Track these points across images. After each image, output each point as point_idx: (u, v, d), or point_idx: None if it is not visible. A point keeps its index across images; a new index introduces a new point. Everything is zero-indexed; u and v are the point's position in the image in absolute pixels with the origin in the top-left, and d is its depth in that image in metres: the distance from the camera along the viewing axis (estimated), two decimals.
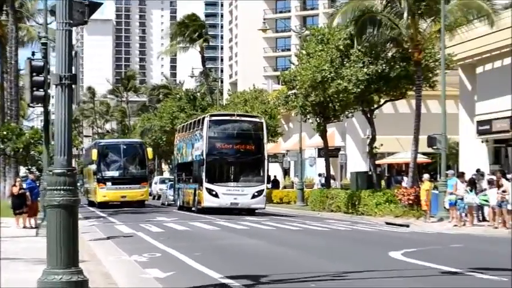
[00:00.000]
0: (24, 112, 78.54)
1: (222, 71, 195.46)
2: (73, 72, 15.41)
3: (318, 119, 64.87)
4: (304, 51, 63.63)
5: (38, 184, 42.49)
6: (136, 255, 25.11)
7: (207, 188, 50.76)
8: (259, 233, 36.63)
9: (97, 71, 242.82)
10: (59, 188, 14.96)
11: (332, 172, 73.57)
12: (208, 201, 50.68)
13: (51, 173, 15.89)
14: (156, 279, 19.16)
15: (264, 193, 53.11)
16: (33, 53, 37.54)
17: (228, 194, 50.78)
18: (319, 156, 78.16)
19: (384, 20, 48.55)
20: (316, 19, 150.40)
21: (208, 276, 19.52)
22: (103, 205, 61.58)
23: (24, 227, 36.38)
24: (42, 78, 29.92)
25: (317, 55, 57.13)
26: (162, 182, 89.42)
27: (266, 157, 54.24)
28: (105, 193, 62.13)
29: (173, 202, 69.35)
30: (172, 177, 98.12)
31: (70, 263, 14.89)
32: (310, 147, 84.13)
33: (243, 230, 37.99)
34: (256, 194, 51.18)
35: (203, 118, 54.56)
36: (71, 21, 15.39)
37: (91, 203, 69.22)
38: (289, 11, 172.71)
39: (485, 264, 21.82)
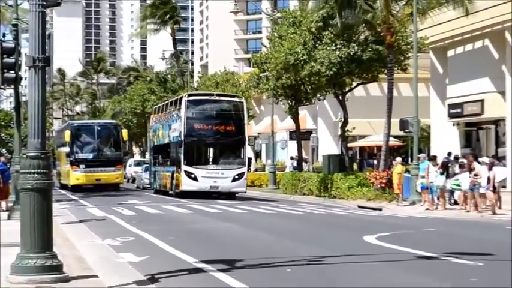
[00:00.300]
0: None
1: (192, 53, 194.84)
2: (47, 54, 15.26)
3: (289, 101, 64.88)
4: (276, 34, 63.71)
5: (8, 167, 42.26)
6: (110, 239, 24.89)
7: (185, 171, 47.77)
8: (233, 216, 36.42)
9: (67, 53, 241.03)
10: (32, 171, 14.80)
11: (304, 155, 73.51)
12: (186, 184, 47.82)
13: (24, 156, 15.76)
14: (130, 263, 18.90)
15: (245, 176, 50.63)
16: (3, 35, 37.37)
17: (208, 177, 47.78)
18: (291, 139, 78.30)
19: (359, 1, 48.56)
20: (287, 1, 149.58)
21: (183, 260, 19.34)
22: (76, 188, 58.87)
23: None
24: (13, 60, 30.17)
25: (289, 38, 57.13)
26: (137, 164, 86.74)
27: (247, 138, 51.90)
28: (78, 176, 59.27)
29: (149, 186, 67.10)
30: (147, 159, 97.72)
31: (44, 247, 14.76)
32: (282, 130, 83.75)
33: (216, 213, 37.80)
34: (236, 177, 48.31)
35: (181, 98, 51.51)
36: (44, 2, 15.23)
37: (63, 186, 67.03)
38: None
39: (460, 249, 21.80)
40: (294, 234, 27.39)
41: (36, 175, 14.78)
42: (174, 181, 50.01)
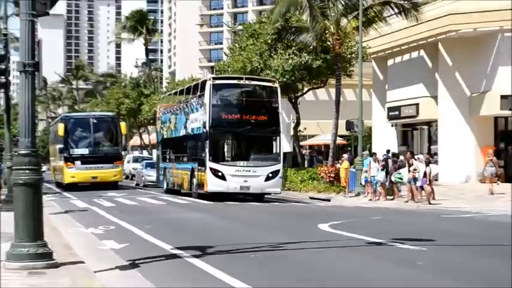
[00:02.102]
0: None
1: (161, 61, 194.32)
2: (36, 59, 15.10)
3: None
4: (237, 45, 63.52)
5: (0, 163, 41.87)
6: (93, 227, 24.65)
7: (211, 169, 35.79)
8: (201, 207, 36.15)
9: (50, 61, 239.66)
10: (24, 167, 14.56)
11: None
12: (213, 184, 35.72)
13: (16, 153, 15.74)
14: (112, 250, 18.72)
15: (280, 174, 38.21)
16: None
17: (237, 175, 35.85)
18: None
19: (314, 9, 48.84)
20: (246, 16, 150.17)
21: (160, 247, 19.13)
22: (71, 187, 49.23)
23: None
24: (4, 67, 30.71)
25: (248, 48, 56.91)
26: (136, 160, 73.57)
27: (281, 130, 38.88)
28: (73, 173, 49.18)
29: (150, 183, 56.98)
30: (145, 155, 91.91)
31: (36, 236, 14.52)
32: None
33: (185, 204, 37.52)
34: (270, 175, 36.29)
35: (203, 82, 39.24)
36: (34, 12, 14.95)
37: (58, 184, 56.69)
38: (222, 8, 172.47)
39: (404, 235, 21.82)
40: (257, 223, 27.51)
41: (27, 171, 14.54)
42: (194, 180, 38.16)
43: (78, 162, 49.44)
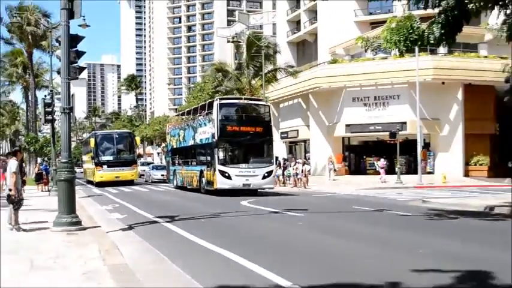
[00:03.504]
0: (39, 128, 75.38)
1: (145, 105, 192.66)
2: (71, 105, 15.25)
3: None
4: (191, 96, 63.50)
5: (48, 167, 41.45)
6: (105, 206, 24.46)
7: (219, 170, 30.96)
8: (171, 192, 35.70)
9: (78, 105, 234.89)
10: (63, 170, 14.63)
11: None
12: (221, 183, 30.96)
13: (59, 161, 16.02)
14: (117, 219, 18.63)
15: (273, 174, 33.22)
16: (45, 96, 36.66)
17: (240, 175, 31.38)
18: None
19: (233, 76, 49.08)
20: (195, 78, 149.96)
21: (146, 216, 18.97)
22: (100, 184, 44.36)
23: (42, 191, 35.18)
24: (51, 109, 30.94)
25: (198, 97, 56.92)
26: (142, 164, 66.75)
27: (273, 139, 33.74)
28: (102, 174, 44.82)
29: (156, 180, 51.75)
30: (149, 161, 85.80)
31: (71, 211, 14.57)
32: None
33: (161, 191, 36.73)
34: (266, 174, 31.73)
35: (210, 103, 33.82)
36: (69, 77, 15.01)
37: (89, 182, 51.09)
38: (181, 74, 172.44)
39: (290, 206, 21.76)
40: (201, 201, 26.85)
41: (66, 172, 14.60)
42: (203, 179, 32.86)
43: (105, 166, 44.91)
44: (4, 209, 15.86)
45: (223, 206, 22.73)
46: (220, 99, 32.56)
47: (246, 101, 33.98)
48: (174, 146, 40.80)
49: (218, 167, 30.16)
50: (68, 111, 14.90)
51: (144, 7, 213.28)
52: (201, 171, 32.93)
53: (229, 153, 31.46)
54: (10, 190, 14.51)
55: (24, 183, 16.61)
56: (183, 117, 42.36)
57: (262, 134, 31.60)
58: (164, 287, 8.32)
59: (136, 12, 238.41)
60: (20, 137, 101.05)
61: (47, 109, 30.69)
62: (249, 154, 31.79)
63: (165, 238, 13.67)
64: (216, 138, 30.35)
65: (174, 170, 39.98)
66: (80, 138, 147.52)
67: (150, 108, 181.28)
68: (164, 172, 49.93)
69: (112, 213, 21.02)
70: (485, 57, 49.02)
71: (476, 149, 47.37)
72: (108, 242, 12.28)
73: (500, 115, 45.72)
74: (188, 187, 35.74)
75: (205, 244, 12.25)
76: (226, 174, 30.17)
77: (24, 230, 14.38)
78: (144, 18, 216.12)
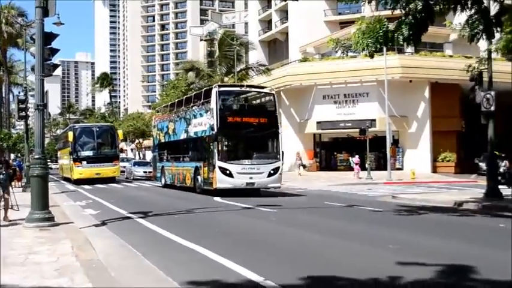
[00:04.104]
0: (13, 125, 74.16)
1: (119, 102, 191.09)
2: (44, 102, 15.01)
3: None
4: (164, 93, 63.16)
5: (21, 163, 40.83)
6: (79, 201, 24.18)
7: (220, 167, 25.88)
8: (144, 187, 35.38)
9: (52, 102, 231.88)
10: (37, 166, 14.45)
11: None
12: (221, 182, 25.97)
13: (32, 158, 15.77)
14: (91, 214, 18.39)
15: (280, 171, 27.15)
16: (19, 92, 36.22)
17: (243, 173, 26.22)
18: None
19: (205, 74, 48.92)
20: (169, 76, 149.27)
21: (120, 212, 18.84)
22: (79, 181, 39.67)
23: (15, 187, 34.51)
24: (24, 106, 30.59)
25: (171, 94, 56.66)
26: (122, 160, 56.28)
27: (280, 131, 27.77)
28: (81, 171, 40.09)
29: (138, 177, 46.25)
30: (129, 156, 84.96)
31: (44, 207, 14.38)
32: None
33: (136, 187, 36.27)
34: (272, 171, 26.49)
35: (208, 90, 28.52)
36: (43, 74, 14.76)
37: (65, 179, 45.56)
38: (155, 71, 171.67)
39: (264, 203, 21.57)
40: (179, 198, 26.55)
41: (39, 168, 14.41)
42: (199, 177, 28.00)
43: (84, 162, 40.10)
44: None
45: (199, 202, 22.56)
46: (220, 86, 27.74)
47: (248, 88, 29.21)
48: (162, 140, 35.60)
49: (218, 163, 25.48)
50: (42, 108, 14.70)
51: (118, 5, 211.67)
52: (196, 168, 28.30)
53: (231, 148, 26.85)
54: None
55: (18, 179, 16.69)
56: (172, 109, 35.83)
57: (267, 126, 26.81)
58: (136, 282, 8.21)
59: (111, 10, 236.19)
60: None
61: (21, 105, 30.21)
62: (252, 148, 26.90)
63: (138, 234, 13.52)
64: (215, 130, 25.67)
65: (162, 167, 35.08)
66: (54, 134, 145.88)
67: (124, 105, 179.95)
68: (147, 169, 46.37)
69: (85, 208, 20.77)
70: (451, 56, 49.69)
71: (443, 146, 47.90)
72: (81, 237, 12.10)
73: (466, 112, 46.22)
74: (178, 185, 31.51)
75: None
76: (228, 172, 25.53)
77: None
78: (118, 17, 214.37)
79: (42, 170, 14.36)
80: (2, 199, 15.20)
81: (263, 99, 28.39)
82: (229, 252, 10.22)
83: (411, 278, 8.05)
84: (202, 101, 28.30)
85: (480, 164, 41.53)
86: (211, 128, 25.92)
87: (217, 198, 24.54)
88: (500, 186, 23.00)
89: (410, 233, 13.36)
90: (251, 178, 25.77)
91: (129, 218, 17.03)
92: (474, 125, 30.48)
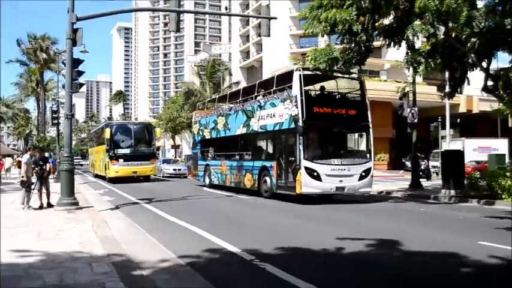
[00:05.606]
0: (47, 130, 73.25)
1: (131, 113, 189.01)
2: (72, 112, 14.90)
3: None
4: (167, 107, 62.68)
5: (54, 159, 40.25)
6: (98, 190, 23.79)
7: (306, 168, 15.67)
8: (179, 185, 34.44)
9: (79, 112, 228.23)
10: (65, 162, 14.23)
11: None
12: (307, 185, 15.64)
13: (62, 155, 15.95)
14: (108, 200, 18.04)
15: (372, 172, 16.92)
16: (52, 105, 35.61)
17: (333, 175, 15.99)
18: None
19: (197, 92, 48.51)
20: (169, 93, 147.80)
21: (130, 198, 18.56)
22: (114, 180, 30.30)
23: (50, 178, 33.82)
24: (57, 115, 30.32)
25: (172, 108, 56.32)
26: None
27: (371, 125, 17.49)
28: (117, 169, 30.30)
29: (168, 175, 36.87)
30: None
31: (70, 194, 14.22)
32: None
33: (170, 183, 34.18)
34: (363, 174, 16.59)
35: (288, 73, 17.54)
36: (72, 91, 14.64)
37: (97, 176, 35.73)
38: (159, 88, 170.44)
39: (243, 192, 20.86)
40: (171, 188, 26.18)
41: (67, 164, 14.18)
42: (268, 179, 17.98)
43: (121, 160, 30.58)
44: (11, 192, 15.44)
45: (193, 191, 22.09)
46: (303, 69, 17.21)
47: (333, 75, 18.09)
48: (207, 137, 24.83)
49: (304, 162, 15.96)
50: (70, 117, 14.71)
51: (131, 38, 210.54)
52: (263, 168, 18.60)
53: (318, 145, 17.06)
54: (23, 177, 14.19)
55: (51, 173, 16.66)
56: (223, 101, 25.25)
57: (357, 119, 17.35)
58: (142, 253, 8.17)
59: (125, 42, 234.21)
60: (31, 136, 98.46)
61: (54, 115, 30.04)
62: (341, 146, 17.64)
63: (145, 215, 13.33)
64: (300, 122, 16.10)
65: (207, 165, 24.87)
66: (80, 138, 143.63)
67: (135, 116, 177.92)
68: (177, 166, 38.75)
69: (104, 196, 20.30)
70: (385, 80, 50.13)
71: (379, 149, 48.08)
72: (99, 218, 11.99)
73: (396, 123, 46.66)
74: (233, 186, 21.41)
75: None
76: (315, 174, 16.02)
77: (34, 209, 13.98)
78: (131, 47, 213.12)
79: (69, 165, 14.23)
80: (44, 188, 14.78)
81: (352, 87, 18.49)
82: (218, 231, 10.13)
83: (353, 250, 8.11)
84: (276, 87, 18.33)
85: (406, 162, 41.97)
86: (294, 120, 16.44)
87: (205, 189, 23.29)
88: (421, 180, 23.52)
89: (350, 216, 13.24)
90: (341, 181, 16.40)
91: (137, 203, 16.67)
92: (402, 133, 30.83)
